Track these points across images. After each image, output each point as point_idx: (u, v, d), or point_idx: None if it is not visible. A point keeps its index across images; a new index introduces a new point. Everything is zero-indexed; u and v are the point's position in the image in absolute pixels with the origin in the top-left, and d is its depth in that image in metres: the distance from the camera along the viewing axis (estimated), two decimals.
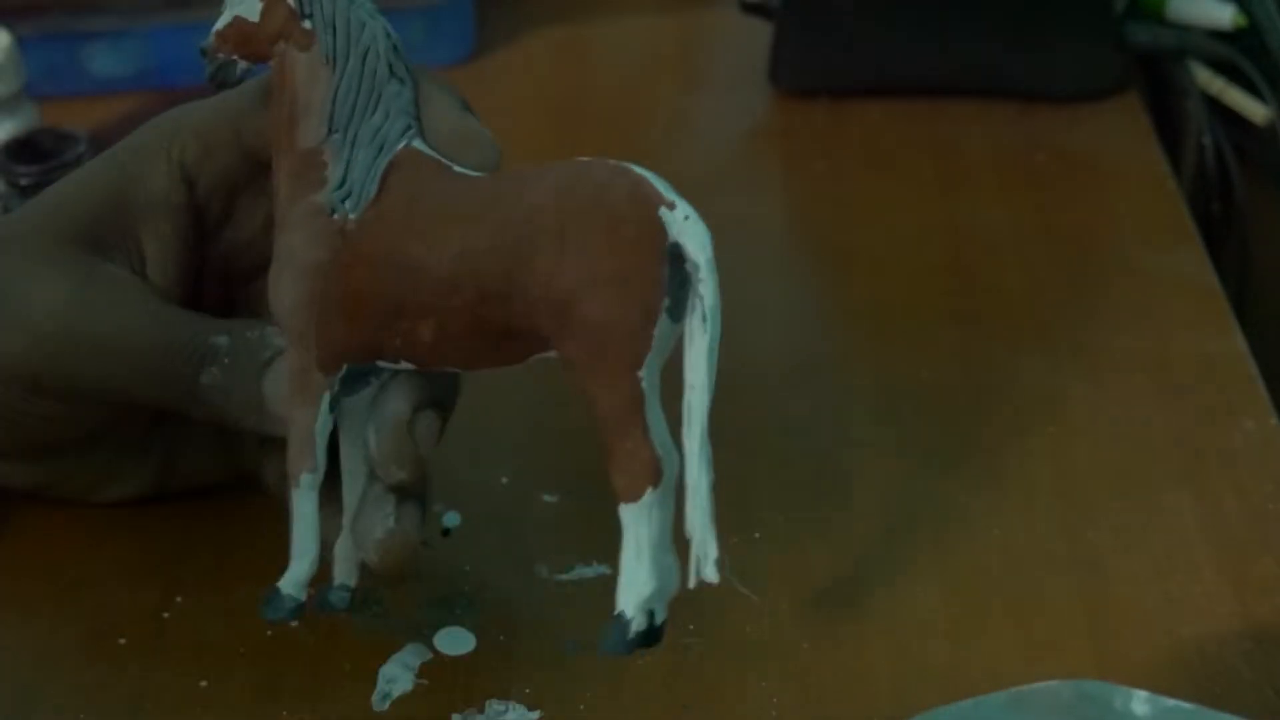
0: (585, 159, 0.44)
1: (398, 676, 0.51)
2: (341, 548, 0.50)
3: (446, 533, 0.56)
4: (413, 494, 0.49)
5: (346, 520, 0.49)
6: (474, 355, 0.46)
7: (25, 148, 0.70)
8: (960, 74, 0.80)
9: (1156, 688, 0.41)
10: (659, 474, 0.43)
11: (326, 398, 0.47)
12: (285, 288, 0.47)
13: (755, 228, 0.74)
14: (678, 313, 0.43)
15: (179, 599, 0.54)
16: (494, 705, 0.49)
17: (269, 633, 0.52)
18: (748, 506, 0.57)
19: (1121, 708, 0.40)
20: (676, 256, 0.43)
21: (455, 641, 0.52)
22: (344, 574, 0.50)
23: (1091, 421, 0.60)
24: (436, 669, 0.51)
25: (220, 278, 0.55)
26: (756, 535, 0.56)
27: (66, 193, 0.53)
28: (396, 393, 0.48)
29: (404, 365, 0.47)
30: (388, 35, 0.47)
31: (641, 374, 0.43)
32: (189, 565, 0.55)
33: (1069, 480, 0.58)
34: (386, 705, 0.50)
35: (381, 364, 0.47)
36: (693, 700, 0.50)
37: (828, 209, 0.74)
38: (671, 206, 0.43)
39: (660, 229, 0.43)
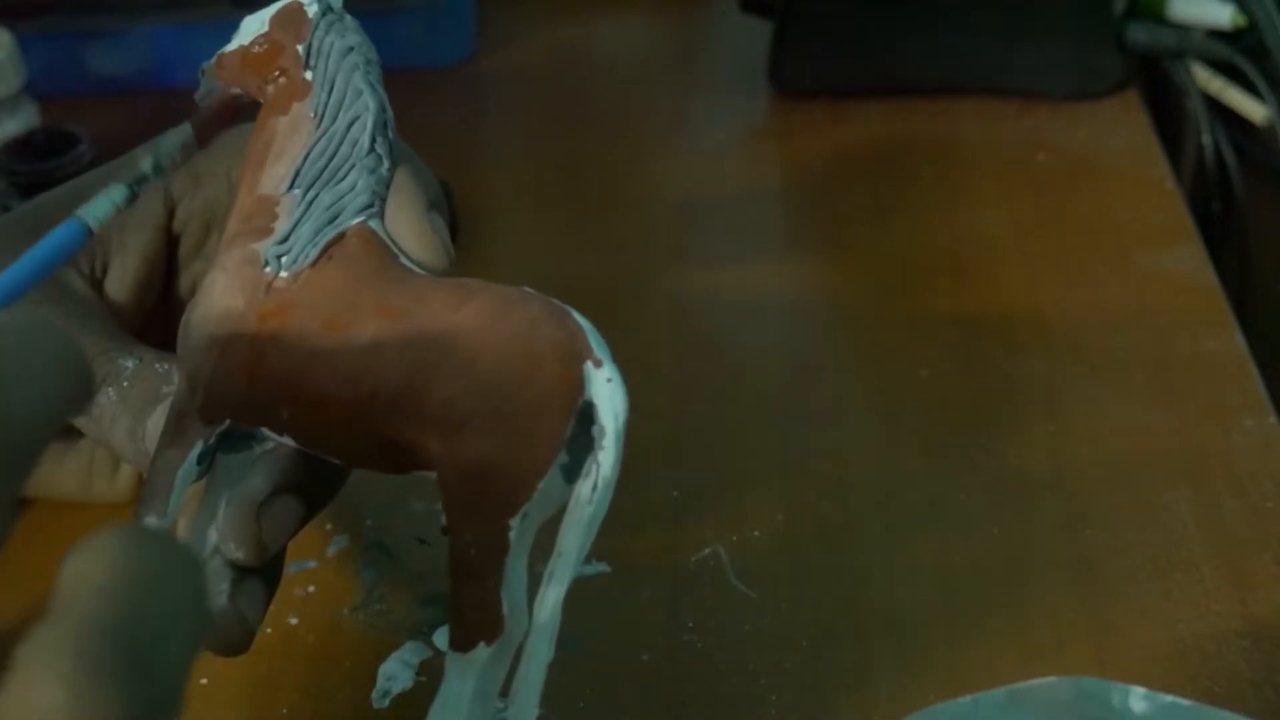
0: (529, 290, 0.42)
1: (398, 674, 0.51)
2: None
3: (446, 531, 0.56)
4: (259, 572, 0.46)
5: None
6: (354, 453, 0.43)
7: (25, 147, 0.70)
8: (960, 74, 0.80)
9: (1154, 685, 0.41)
10: (497, 632, 0.41)
11: (198, 447, 0.44)
12: (194, 324, 0.45)
13: (755, 227, 0.74)
14: (573, 473, 0.41)
15: None
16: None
17: (269, 630, 0.52)
18: (747, 506, 0.57)
19: (1119, 705, 0.40)
20: (586, 416, 0.40)
21: None
22: None
23: (1091, 421, 0.60)
24: (436, 666, 0.51)
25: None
26: (756, 534, 0.56)
27: (59, 194, 0.53)
28: (263, 468, 0.45)
29: (286, 440, 0.44)
30: (382, 109, 0.45)
31: (513, 523, 0.40)
32: None
33: (1068, 479, 0.58)
34: (387, 702, 0.50)
35: (266, 432, 0.44)
36: (693, 700, 0.50)
37: (828, 209, 0.75)
38: (598, 364, 0.40)
39: (577, 384, 0.40)
